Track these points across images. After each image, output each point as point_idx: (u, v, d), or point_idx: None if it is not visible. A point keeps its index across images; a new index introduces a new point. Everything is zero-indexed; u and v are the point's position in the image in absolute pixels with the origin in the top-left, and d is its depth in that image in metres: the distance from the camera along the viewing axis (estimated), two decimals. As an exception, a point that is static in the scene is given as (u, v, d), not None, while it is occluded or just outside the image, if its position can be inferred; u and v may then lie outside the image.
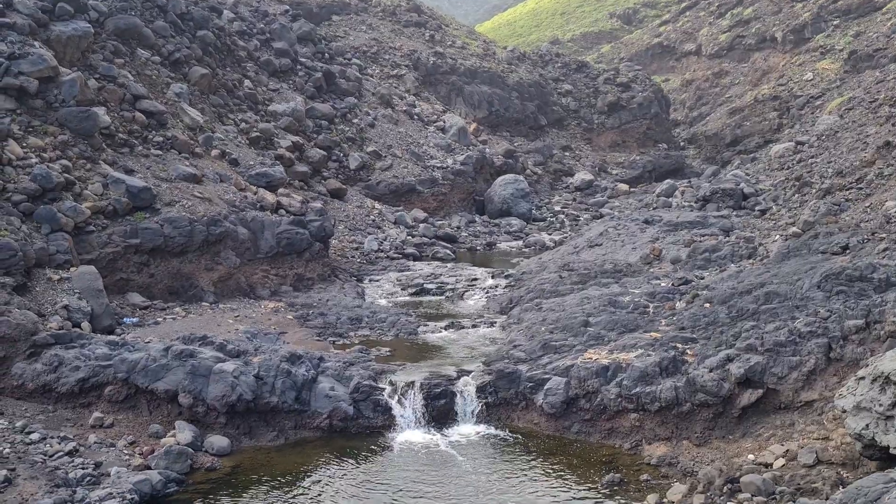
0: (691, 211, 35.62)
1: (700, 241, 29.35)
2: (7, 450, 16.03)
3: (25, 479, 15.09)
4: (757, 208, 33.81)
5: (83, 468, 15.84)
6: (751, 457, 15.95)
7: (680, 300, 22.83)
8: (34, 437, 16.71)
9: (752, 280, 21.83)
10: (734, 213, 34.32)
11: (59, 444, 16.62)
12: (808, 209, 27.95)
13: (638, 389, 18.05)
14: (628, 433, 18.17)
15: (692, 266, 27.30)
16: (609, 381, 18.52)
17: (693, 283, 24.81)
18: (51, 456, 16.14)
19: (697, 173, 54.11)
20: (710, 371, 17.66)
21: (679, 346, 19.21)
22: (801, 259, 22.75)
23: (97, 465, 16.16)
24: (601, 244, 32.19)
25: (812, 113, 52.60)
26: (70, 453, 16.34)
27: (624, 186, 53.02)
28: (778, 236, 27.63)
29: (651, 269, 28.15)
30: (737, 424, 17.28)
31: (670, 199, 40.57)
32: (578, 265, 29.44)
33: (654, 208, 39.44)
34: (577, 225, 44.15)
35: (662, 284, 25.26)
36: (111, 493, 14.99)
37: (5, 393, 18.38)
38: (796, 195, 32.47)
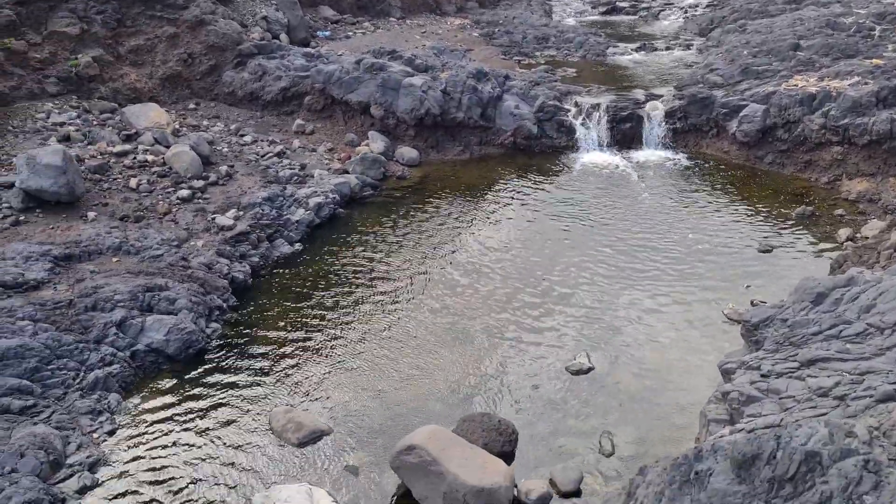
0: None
1: (953, -47, 24.76)
2: (225, 149, 17.84)
3: (243, 175, 16.89)
4: None
5: (290, 168, 17.43)
6: (968, 198, 14.65)
7: (915, 23, 19.96)
8: (247, 139, 18.40)
9: None
10: None
11: (269, 146, 18.25)
12: None
13: (847, 121, 16.64)
14: (827, 167, 17.15)
15: (937, -17, 23.41)
16: (814, 110, 17.17)
17: (935, 3, 21.43)
18: (262, 156, 17.82)
19: None
20: (938, 103, 15.80)
21: (904, 74, 17.16)
22: None
23: (302, 167, 17.71)
24: (826, -43, 28.06)
25: None
26: (278, 155, 17.96)
27: None
28: None
29: (884, -13, 24.45)
30: (958, 163, 15.74)
31: None
32: (795, -18, 26.09)
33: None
34: (799, -64, 38.41)
35: None
36: (316, 192, 16.55)
37: (219, 99, 20.06)
38: None
